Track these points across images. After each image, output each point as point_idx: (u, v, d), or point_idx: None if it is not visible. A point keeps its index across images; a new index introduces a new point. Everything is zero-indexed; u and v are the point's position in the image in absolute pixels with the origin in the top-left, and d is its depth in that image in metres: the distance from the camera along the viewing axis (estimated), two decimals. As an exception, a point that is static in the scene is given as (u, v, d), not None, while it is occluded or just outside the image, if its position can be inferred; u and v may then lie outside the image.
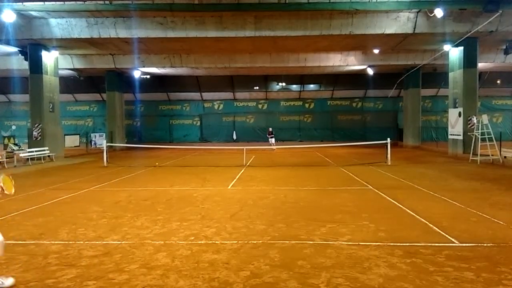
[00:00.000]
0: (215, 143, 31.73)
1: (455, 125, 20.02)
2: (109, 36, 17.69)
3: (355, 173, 13.48)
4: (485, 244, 5.49)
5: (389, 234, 6.02)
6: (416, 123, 28.10)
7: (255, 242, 5.73)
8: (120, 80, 29.23)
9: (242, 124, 34.04)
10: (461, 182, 11.44)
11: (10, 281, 4.35)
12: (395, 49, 22.56)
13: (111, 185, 11.75)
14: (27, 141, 21.30)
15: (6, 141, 20.97)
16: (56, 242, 5.87)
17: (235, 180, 12.41)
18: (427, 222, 6.70)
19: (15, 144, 20.27)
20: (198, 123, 34.49)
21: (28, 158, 18.04)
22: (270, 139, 27.04)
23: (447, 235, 5.91)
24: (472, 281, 4.24)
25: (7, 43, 19.20)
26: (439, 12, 15.68)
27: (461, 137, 19.29)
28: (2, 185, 4.50)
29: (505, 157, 15.97)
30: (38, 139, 20.07)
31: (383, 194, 9.46)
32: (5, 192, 4.53)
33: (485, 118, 16.63)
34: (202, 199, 9.19)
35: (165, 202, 8.93)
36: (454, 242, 5.59)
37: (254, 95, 34.51)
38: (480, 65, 21.82)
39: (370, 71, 27.45)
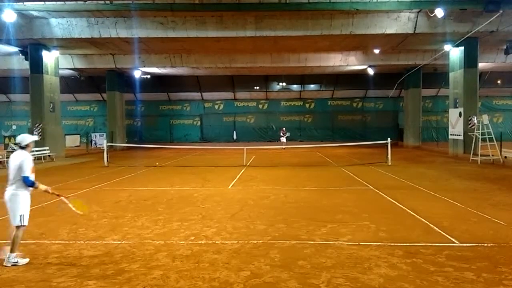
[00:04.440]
0: (215, 143, 31.73)
1: (455, 125, 20.00)
2: (109, 36, 17.70)
3: (355, 173, 13.48)
4: (485, 244, 5.49)
5: (389, 234, 6.02)
6: (416, 123, 28.09)
7: (255, 242, 5.73)
8: (120, 80, 29.24)
9: (243, 124, 34.05)
10: (461, 182, 11.44)
11: (25, 260, 4.91)
12: (396, 49, 22.56)
13: (112, 185, 11.76)
14: (27, 141, 21.26)
15: (6, 140, 20.95)
16: (56, 242, 5.88)
17: (235, 180, 12.41)
18: (427, 222, 6.70)
19: (16, 144, 20.25)
20: (199, 123, 34.51)
21: (28, 158, 18.02)
22: (282, 138, 27.22)
23: (447, 235, 5.91)
24: (472, 281, 4.24)
25: (8, 43, 19.22)
26: (439, 12, 15.68)
27: (461, 137, 19.28)
28: (72, 206, 5.44)
29: (505, 157, 15.96)
30: (39, 139, 20.07)
31: (383, 194, 9.46)
32: (77, 211, 5.46)
33: (485, 118, 16.62)
34: (203, 199, 9.19)
35: (165, 202, 8.94)
36: (454, 242, 5.59)
37: (254, 95, 34.51)
38: (481, 65, 21.81)
39: (371, 71, 27.44)
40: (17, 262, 4.83)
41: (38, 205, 8.66)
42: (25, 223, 4.96)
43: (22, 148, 5.09)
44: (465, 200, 8.58)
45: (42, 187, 5.08)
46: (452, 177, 12.35)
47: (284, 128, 28.60)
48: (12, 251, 4.85)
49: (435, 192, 9.66)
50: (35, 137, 5.32)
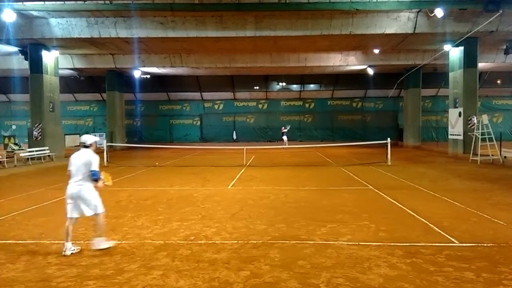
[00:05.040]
0: (215, 143, 31.73)
1: (455, 125, 20.01)
2: (109, 36, 17.68)
3: (355, 173, 13.48)
4: (485, 244, 5.49)
5: (389, 234, 6.02)
6: (416, 123, 28.09)
7: (255, 242, 5.73)
8: (120, 80, 29.22)
9: (242, 124, 34.06)
10: (461, 182, 11.44)
11: (111, 243, 5.55)
12: (396, 49, 22.55)
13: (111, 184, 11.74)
14: (27, 140, 21.29)
15: (6, 140, 20.94)
16: (56, 241, 5.88)
17: (235, 180, 12.41)
18: (427, 222, 6.70)
19: (15, 144, 20.25)
20: (198, 123, 34.51)
21: (28, 158, 18.02)
22: (283, 137, 27.48)
23: (447, 235, 5.92)
24: (472, 281, 4.24)
25: (8, 42, 19.20)
26: (439, 12, 15.68)
27: (461, 137, 19.29)
28: (104, 181, 5.70)
29: (505, 157, 15.97)
30: (38, 138, 20.06)
31: (383, 194, 9.46)
32: (106, 183, 5.73)
33: (485, 118, 16.62)
34: (203, 199, 9.20)
35: (165, 202, 8.93)
36: (454, 242, 5.60)
37: (254, 95, 34.51)
38: (480, 65, 21.81)
39: (371, 71, 27.45)
40: (106, 245, 5.45)
41: (37, 205, 8.67)
42: (102, 210, 5.53)
43: (86, 147, 5.60)
44: (465, 200, 8.58)
45: (100, 183, 5.54)
46: (452, 177, 12.36)
47: (284, 127, 28.73)
48: (100, 236, 5.45)
49: (435, 192, 9.66)
50: (97, 138, 5.88)
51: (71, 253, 5.30)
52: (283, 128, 28.45)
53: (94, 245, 5.42)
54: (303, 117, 34.04)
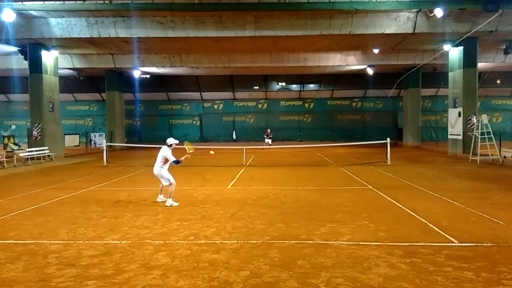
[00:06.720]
0: (215, 143, 31.68)
1: (455, 125, 20.02)
2: (109, 36, 17.68)
3: (355, 173, 13.48)
4: (484, 244, 5.49)
5: (389, 234, 6.02)
6: (416, 123, 28.11)
7: (255, 241, 5.73)
8: (120, 79, 29.22)
9: (242, 124, 34.06)
10: (461, 182, 11.44)
11: (177, 204, 8.39)
12: (395, 49, 22.57)
13: (111, 184, 11.75)
14: (26, 140, 21.28)
15: (5, 140, 20.92)
16: (56, 241, 5.87)
17: (235, 179, 12.41)
18: (427, 222, 6.70)
19: (15, 144, 20.24)
20: (198, 123, 34.49)
21: (27, 158, 18.03)
22: (266, 139, 27.90)
23: (446, 235, 5.92)
24: (471, 280, 4.25)
25: (7, 42, 19.21)
26: (439, 12, 15.69)
27: (460, 137, 19.30)
28: (187, 149, 8.89)
29: (504, 157, 15.98)
30: (38, 138, 20.06)
31: (383, 194, 9.47)
32: (189, 152, 8.85)
33: (484, 118, 16.63)
34: (202, 199, 9.20)
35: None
36: (453, 242, 5.60)
37: (254, 95, 34.51)
38: (480, 65, 21.82)
39: (370, 71, 27.46)
40: (172, 204, 8.27)
41: (37, 205, 8.66)
42: (174, 182, 8.45)
43: (168, 146, 8.61)
44: (464, 199, 8.59)
45: (182, 160, 8.65)
46: (452, 177, 12.36)
47: (268, 130, 29.08)
48: (170, 197, 8.34)
49: (434, 191, 9.66)
50: (177, 141, 8.73)
51: (170, 205, 8.22)
52: (268, 131, 28.73)
53: (166, 203, 8.27)
54: (303, 117, 34.04)
